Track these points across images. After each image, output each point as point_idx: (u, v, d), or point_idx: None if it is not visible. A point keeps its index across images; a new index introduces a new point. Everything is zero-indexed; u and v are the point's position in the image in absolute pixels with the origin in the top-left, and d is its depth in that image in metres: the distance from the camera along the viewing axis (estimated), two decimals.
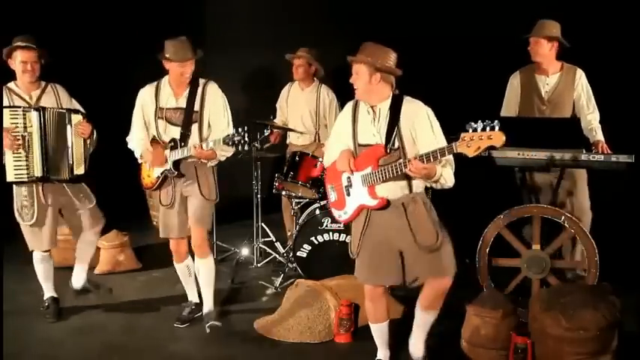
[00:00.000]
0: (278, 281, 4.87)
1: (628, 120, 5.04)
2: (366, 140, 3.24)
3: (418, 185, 3.23)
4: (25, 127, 4.05)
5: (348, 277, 4.03)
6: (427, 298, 3.32)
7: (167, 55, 3.85)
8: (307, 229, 4.76)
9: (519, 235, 4.27)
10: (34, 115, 4.06)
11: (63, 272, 4.70)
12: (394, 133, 3.16)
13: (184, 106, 3.93)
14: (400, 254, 3.26)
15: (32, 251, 4.25)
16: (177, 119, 3.94)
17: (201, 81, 3.99)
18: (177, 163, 3.93)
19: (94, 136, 4.25)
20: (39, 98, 4.13)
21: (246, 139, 3.62)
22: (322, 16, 6.66)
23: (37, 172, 4.07)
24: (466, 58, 5.83)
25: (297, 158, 4.97)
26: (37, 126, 4.06)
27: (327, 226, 4.70)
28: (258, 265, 5.37)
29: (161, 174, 3.99)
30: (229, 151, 3.97)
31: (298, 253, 4.78)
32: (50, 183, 4.14)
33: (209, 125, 3.97)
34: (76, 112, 4.18)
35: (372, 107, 3.25)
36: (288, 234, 5.48)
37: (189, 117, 3.93)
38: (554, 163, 4.04)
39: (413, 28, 6.00)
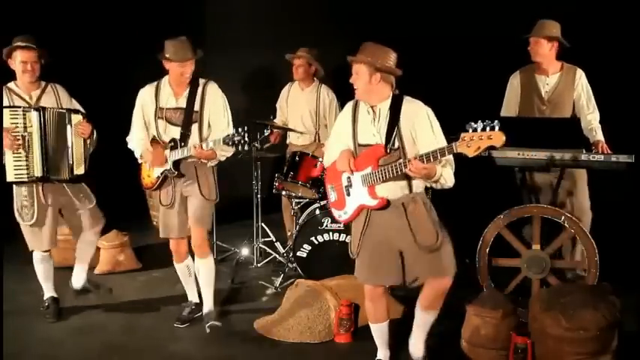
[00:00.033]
0: (278, 281, 4.87)
1: (628, 120, 5.04)
2: (366, 140, 3.24)
3: (418, 185, 3.23)
4: (25, 127, 4.05)
5: (348, 277, 4.03)
6: (427, 298, 3.33)
7: (167, 55, 3.85)
8: (307, 229, 4.76)
9: (519, 235, 4.27)
10: (34, 115, 4.06)
11: (63, 272, 4.70)
12: (394, 133, 3.16)
13: (184, 106, 3.93)
14: (400, 254, 3.26)
15: (32, 251, 4.25)
16: (177, 119, 3.94)
17: (201, 81, 3.99)
18: (177, 163, 3.93)
19: (94, 136, 4.25)
20: (39, 98, 4.13)
21: (246, 139, 3.62)
22: (322, 16, 6.66)
23: (37, 172, 4.07)
24: (466, 58, 5.83)
25: (297, 158, 4.97)
26: (37, 126, 4.06)
27: (327, 226, 4.70)
28: (258, 265, 5.37)
29: (161, 174, 3.99)
30: (229, 152, 3.97)
31: (298, 253, 4.78)
32: (50, 183, 4.14)
33: (209, 125, 3.97)
34: (76, 112, 4.18)
35: (372, 107, 3.25)
36: (288, 234, 5.48)
37: (189, 117, 3.92)
38: (554, 163, 4.04)
39: (413, 28, 6.00)
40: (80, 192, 4.26)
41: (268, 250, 5.44)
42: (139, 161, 4.13)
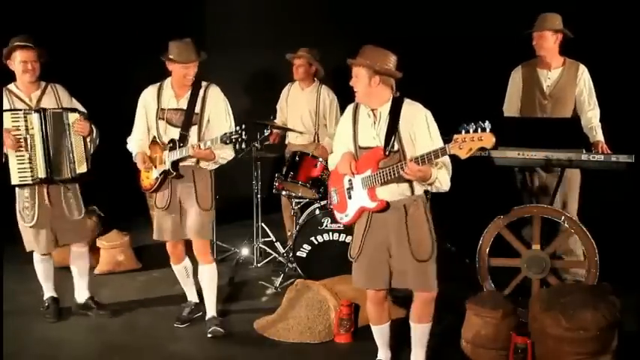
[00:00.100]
0: (278, 281, 4.87)
1: (628, 120, 5.04)
2: (366, 143, 3.24)
3: (420, 188, 3.23)
4: (26, 130, 4.05)
5: (347, 277, 4.02)
6: (416, 309, 3.35)
7: (171, 56, 3.85)
8: (307, 229, 4.76)
9: (519, 235, 4.27)
10: (35, 117, 4.06)
11: (63, 272, 4.70)
12: (393, 135, 3.15)
13: (185, 107, 3.93)
14: (391, 256, 3.28)
15: (32, 251, 4.25)
16: (178, 120, 3.94)
17: (204, 84, 3.99)
18: (175, 164, 3.93)
19: (94, 133, 4.24)
20: (39, 99, 4.12)
21: (244, 136, 3.60)
22: (322, 16, 6.66)
23: (41, 173, 4.07)
24: (466, 58, 5.83)
25: (297, 158, 4.97)
26: (38, 128, 4.06)
27: (327, 226, 4.70)
28: (258, 265, 5.37)
29: (160, 175, 3.98)
30: (229, 155, 3.97)
31: (298, 253, 4.78)
32: (55, 184, 4.14)
33: (209, 128, 3.96)
34: (73, 110, 4.17)
35: (372, 110, 3.24)
36: (288, 234, 5.47)
37: (189, 118, 3.92)
38: (553, 164, 4.04)
39: (413, 29, 6.00)
40: (72, 199, 4.23)
41: (268, 250, 5.44)
42: (135, 161, 4.13)
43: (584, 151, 3.99)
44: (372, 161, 3.19)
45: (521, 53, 4.54)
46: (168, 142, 3.92)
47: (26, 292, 4.67)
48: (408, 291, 3.37)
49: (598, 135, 4.37)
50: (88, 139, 4.21)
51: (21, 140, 4.03)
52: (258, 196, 5.43)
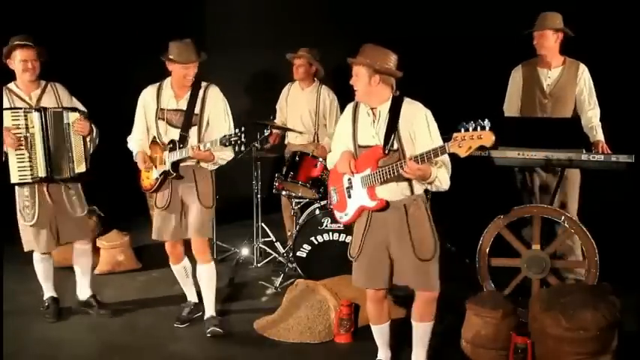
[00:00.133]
0: (278, 281, 4.87)
1: (628, 120, 5.04)
2: (365, 142, 3.24)
3: (419, 187, 3.23)
4: (27, 128, 4.05)
5: (347, 277, 4.01)
6: (417, 308, 3.34)
7: (171, 57, 3.85)
8: (307, 229, 4.76)
9: (519, 235, 4.27)
10: (35, 116, 4.06)
11: (63, 272, 4.71)
12: (393, 134, 3.15)
13: (185, 108, 3.93)
14: (391, 256, 3.28)
15: (31, 251, 4.25)
16: (178, 121, 3.94)
17: (203, 84, 3.99)
18: (176, 165, 3.93)
19: (94, 133, 4.25)
20: (39, 98, 4.13)
21: (243, 139, 3.61)
22: (322, 16, 6.66)
23: (41, 172, 4.08)
24: (466, 57, 5.84)
25: (297, 158, 4.97)
26: (38, 127, 4.06)
27: (327, 226, 4.70)
28: (258, 265, 5.37)
29: (160, 175, 3.98)
30: (228, 156, 3.97)
31: (298, 253, 4.78)
32: (55, 183, 4.14)
33: (208, 128, 3.97)
34: (73, 110, 4.17)
35: (372, 109, 3.24)
36: (288, 234, 5.47)
37: (189, 119, 3.93)
38: (554, 164, 4.04)
39: (413, 29, 6.01)
40: (75, 197, 4.24)
41: (268, 250, 5.44)
42: (135, 161, 4.13)
43: (584, 151, 3.99)
44: (371, 160, 3.19)
45: (521, 53, 4.54)
46: (168, 143, 3.93)
47: (26, 292, 4.67)
48: (409, 291, 3.37)
49: (598, 134, 4.37)
50: (87, 139, 4.22)
51: (21, 139, 4.03)
52: (258, 196, 5.43)
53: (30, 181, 4.07)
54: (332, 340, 3.95)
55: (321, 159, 4.91)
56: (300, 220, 4.93)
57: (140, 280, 5.17)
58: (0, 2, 4.75)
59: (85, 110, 4.24)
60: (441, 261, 3.28)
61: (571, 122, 4.29)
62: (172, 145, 3.91)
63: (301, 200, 5.13)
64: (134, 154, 4.08)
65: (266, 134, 5.21)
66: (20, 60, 4.01)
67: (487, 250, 4.12)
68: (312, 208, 4.95)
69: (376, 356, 3.56)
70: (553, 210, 4.08)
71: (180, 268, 4.25)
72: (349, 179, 3.32)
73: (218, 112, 3.98)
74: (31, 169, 4.07)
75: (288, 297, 4.22)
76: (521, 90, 4.53)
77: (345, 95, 3.64)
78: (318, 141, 5.43)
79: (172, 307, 4.43)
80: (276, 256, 5.39)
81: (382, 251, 3.27)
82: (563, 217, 4.02)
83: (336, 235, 4.70)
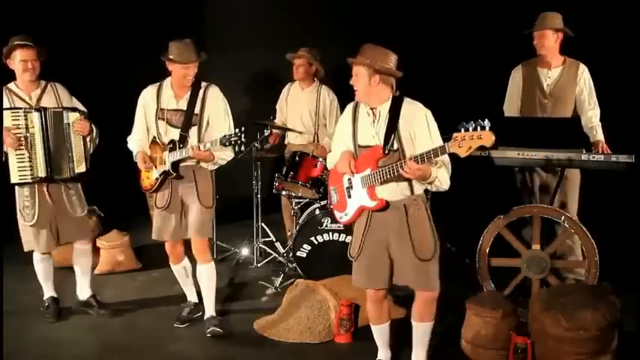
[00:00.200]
0: (278, 281, 4.87)
1: (628, 120, 5.04)
2: (365, 141, 3.24)
3: (419, 187, 3.23)
4: (27, 128, 4.05)
5: (347, 277, 4.01)
6: (417, 308, 3.34)
7: (171, 57, 3.85)
8: (307, 229, 4.76)
9: (519, 235, 4.27)
10: (35, 116, 4.06)
11: (63, 272, 4.71)
12: (393, 134, 3.15)
13: (185, 108, 3.93)
14: (391, 256, 3.27)
15: (31, 251, 4.25)
16: (178, 121, 3.94)
17: (203, 84, 3.99)
18: (176, 165, 3.93)
19: (94, 133, 4.25)
20: (39, 98, 4.13)
21: (243, 139, 3.61)
22: (322, 16, 6.66)
23: (41, 172, 4.08)
24: (466, 57, 5.84)
25: (297, 158, 4.97)
26: (38, 127, 4.06)
27: (327, 226, 4.70)
28: (258, 265, 5.37)
29: (160, 175, 3.99)
30: (228, 156, 3.97)
31: (298, 253, 4.78)
32: (55, 183, 4.14)
33: (208, 128, 3.97)
34: (73, 110, 4.17)
35: (372, 109, 3.24)
36: (288, 234, 5.48)
37: (189, 119, 3.93)
38: (554, 164, 4.04)
39: (413, 29, 6.01)
40: (75, 197, 4.24)
41: (268, 250, 5.44)
42: (135, 161, 4.13)
43: (584, 151, 3.99)
44: (371, 160, 3.19)
45: (521, 53, 4.54)
46: (168, 143, 3.93)
47: (26, 292, 4.67)
48: (409, 291, 3.37)
49: (598, 134, 4.37)
50: (87, 139, 4.22)
51: (21, 139, 4.03)
52: (258, 196, 5.43)
53: (30, 181, 4.08)
54: (332, 340, 3.95)
55: (321, 159, 4.91)
56: (300, 220, 4.93)
57: (140, 280, 5.17)
58: (0, 2, 4.75)
59: (85, 110, 4.24)
60: (441, 261, 3.28)
61: (571, 122, 4.29)
62: (172, 145, 3.91)
63: (301, 200, 5.13)
64: (134, 154, 4.08)
65: (266, 134, 5.21)
66: (20, 60, 4.02)
67: (487, 250, 4.12)
68: (312, 208, 4.95)
69: (376, 356, 3.56)
70: (553, 210, 4.08)
71: (180, 268, 4.24)
72: (349, 179, 3.32)
73: (218, 112, 3.98)
74: (31, 169, 4.07)
75: (288, 297, 4.22)
76: (521, 90, 4.53)
77: (345, 95, 3.64)
78: (318, 141, 5.43)
79: (172, 307, 4.43)
80: (276, 256, 5.39)
81: (382, 251, 3.27)
82: (563, 217, 4.02)
83: (336, 235, 4.70)
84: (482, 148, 2.93)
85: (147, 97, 4.02)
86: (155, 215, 4.11)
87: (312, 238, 4.73)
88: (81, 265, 4.40)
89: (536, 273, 4.05)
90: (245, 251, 5.52)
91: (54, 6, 6.15)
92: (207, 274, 4.10)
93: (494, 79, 4.78)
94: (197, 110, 3.94)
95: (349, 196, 3.34)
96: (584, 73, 4.40)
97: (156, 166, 4.00)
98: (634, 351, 3.57)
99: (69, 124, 4.14)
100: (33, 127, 4.06)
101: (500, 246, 4.16)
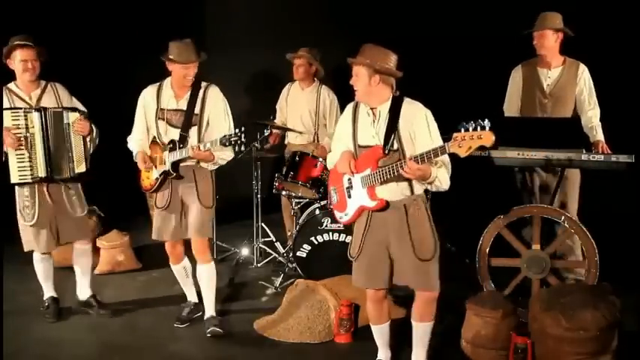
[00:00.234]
0: (278, 281, 4.87)
1: (628, 120, 5.04)
2: (365, 141, 3.24)
3: (419, 187, 3.23)
4: (27, 128, 4.05)
5: (347, 277, 4.01)
6: (417, 308, 3.34)
7: (171, 57, 3.85)
8: (307, 229, 4.76)
9: (519, 235, 4.27)
10: (35, 116, 4.06)
11: (63, 272, 4.71)
12: (393, 134, 3.15)
13: (185, 108, 3.93)
14: (391, 256, 3.27)
15: (31, 251, 4.25)
16: (178, 121, 3.94)
17: (203, 84, 3.99)
18: (176, 165, 3.93)
19: (94, 133, 4.25)
20: (39, 98, 4.12)
21: (243, 139, 3.61)
22: (322, 16, 6.66)
23: (41, 172, 4.08)
24: (466, 57, 5.84)
25: (297, 158, 4.97)
26: (38, 127, 4.06)
27: (327, 226, 4.70)
28: (258, 265, 5.37)
29: (160, 175, 3.99)
30: (228, 156, 3.97)
31: (298, 253, 4.78)
32: (55, 183, 4.14)
33: (208, 128, 3.97)
34: (73, 110, 4.17)
35: (372, 109, 3.24)
36: (288, 234, 5.48)
37: (189, 119, 3.93)
38: (553, 163, 4.04)
39: (413, 29, 6.01)
40: (75, 197, 4.24)
41: (268, 250, 5.44)
42: (135, 161, 4.13)
43: (584, 151, 3.99)
44: (371, 160, 3.19)
45: (521, 53, 4.54)
46: (168, 143, 3.93)
47: (26, 292, 4.67)
48: (409, 290, 3.37)
49: (598, 134, 4.37)
50: (87, 139, 4.22)
51: (21, 139, 4.03)
52: (258, 196, 5.43)
53: (30, 181, 4.08)
54: (332, 340, 3.95)
55: (321, 159, 4.91)
56: (300, 220, 4.93)
57: (140, 280, 5.17)
58: (0, 2, 4.76)
59: (85, 110, 4.24)
60: (441, 261, 3.28)
61: (571, 122, 4.29)
62: (172, 145, 3.91)
63: (301, 200, 5.13)
64: (134, 154, 4.08)
65: (266, 134, 5.21)
66: (20, 60, 4.01)
67: (487, 250, 4.12)
68: (312, 208, 4.95)
69: (376, 356, 3.56)
70: (553, 210, 4.08)
71: (180, 268, 4.24)
72: (349, 179, 3.32)
73: (218, 112, 3.98)
74: (31, 169, 4.07)
75: (288, 297, 4.22)
76: (521, 90, 4.53)
77: (345, 95, 3.64)
78: (318, 141, 5.43)
79: (172, 307, 4.43)
80: (276, 256, 5.39)
81: (382, 251, 3.27)
82: (563, 217, 4.02)
83: (336, 235, 4.70)
84: (482, 148, 2.94)
85: (147, 96, 4.02)
86: (155, 215, 4.11)
87: (312, 238, 4.73)
88: (81, 265, 4.40)
89: (536, 273, 4.05)
90: (245, 251, 5.52)
91: (54, 6, 6.15)
92: (207, 274, 4.10)
93: (494, 79, 4.78)
94: (197, 110, 3.94)
95: (349, 196, 3.34)
96: (584, 73, 4.40)
97: (156, 166, 4.00)
98: (634, 351, 3.57)
99: (69, 124, 4.14)
100: (33, 127, 4.06)
101: (500, 246, 4.15)
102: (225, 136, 3.66)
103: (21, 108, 4.06)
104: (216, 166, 4.03)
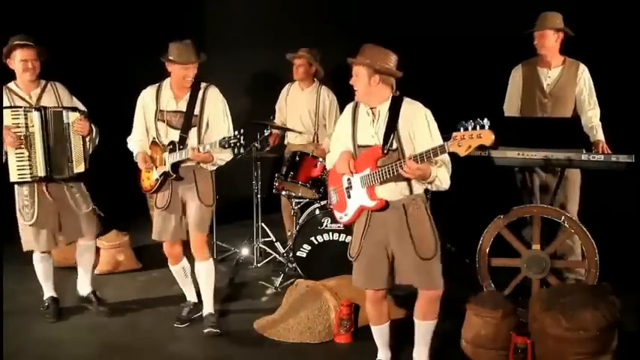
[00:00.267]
0: (278, 281, 4.87)
1: (628, 120, 5.04)
2: (365, 141, 3.24)
3: (419, 187, 3.23)
4: (27, 127, 4.05)
5: (347, 277, 4.01)
6: (421, 307, 3.33)
7: (170, 57, 3.85)
8: (307, 229, 4.76)
9: (519, 235, 4.27)
10: (35, 115, 4.06)
11: (63, 272, 4.71)
12: (392, 134, 3.15)
13: (184, 109, 3.94)
14: (393, 257, 3.27)
15: (31, 251, 4.24)
16: (177, 122, 3.95)
17: (203, 85, 4.00)
18: (175, 166, 3.93)
19: (94, 133, 4.25)
20: (39, 97, 4.12)
21: (242, 141, 3.62)
22: (322, 16, 6.66)
23: (40, 171, 4.08)
24: (466, 57, 5.84)
25: (297, 158, 4.97)
26: (38, 126, 4.06)
27: (327, 226, 4.70)
28: (258, 265, 5.37)
29: (160, 176, 3.99)
30: (227, 157, 3.97)
31: (298, 253, 4.78)
32: (54, 182, 4.14)
33: (208, 129, 3.97)
34: (74, 109, 4.17)
35: (371, 109, 3.24)
36: (288, 234, 5.48)
37: (188, 120, 3.93)
38: (553, 164, 4.04)
39: (413, 29, 6.01)
40: (78, 194, 4.24)
41: (268, 250, 5.44)
42: (136, 161, 4.13)
43: (584, 151, 3.99)
44: (370, 160, 3.18)
45: (521, 53, 4.54)
46: (168, 144, 3.93)
47: (26, 292, 4.67)
48: (409, 290, 3.36)
49: (598, 134, 4.37)
50: (87, 139, 4.21)
51: (21, 138, 4.03)
52: (258, 196, 5.44)
53: (29, 180, 4.07)
54: (332, 340, 3.95)
55: (321, 159, 4.91)
56: (300, 220, 4.93)
57: (140, 280, 5.17)
58: (0, 2, 4.76)
59: (85, 110, 4.24)
60: (442, 261, 3.28)
61: (571, 122, 4.29)
62: (172, 147, 3.91)
63: (301, 200, 5.13)
64: (134, 154, 4.08)
65: (266, 134, 5.22)
66: (20, 60, 4.01)
67: (487, 250, 4.12)
68: (312, 208, 4.95)
69: (376, 356, 3.56)
70: (553, 210, 4.08)
71: (179, 269, 4.24)
72: (349, 179, 3.32)
73: (217, 113, 3.98)
74: (30, 168, 4.07)
75: (288, 297, 4.22)
76: (521, 90, 4.53)
77: (345, 95, 3.64)
78: (317, 141, 5.43)
79: (172, 307, 4.43)
80: (276, 256, 5.39)
81: (381, 251, 3.26)
82: (563, 217, 4.02)
83: (336, 235, 4.70)
84: (481, 147, 2.94)
85: (146, 97, 4.03)
86: (155, 216, 4.11)
87: (312, 238, 4.73)
88: (84, 261, 4.40)
89: (536, 273, 4.05)
90: (245, 251, 5.52)
91: (54, 6, 6.15)
92: (206, 270, 4.11)
93: (494, 79, 4.78)
94: (196, 111, 3.94)
95: (349, 196, 3.34)
96: (583, 73, 4.40)
97: (156, 167, 4.00)
98: (634, 351, 3.56)
99: (69, 123, 4.14)
100: (33, 126, 4.06)
101: (501, 246, 4.15)
102: (224, 138, 3.66)
103: (21, 107, 4.06)
104: (216, 167, 4.04)
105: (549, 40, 4.33)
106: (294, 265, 4.87)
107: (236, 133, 3.63)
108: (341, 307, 3.95)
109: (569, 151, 3.96)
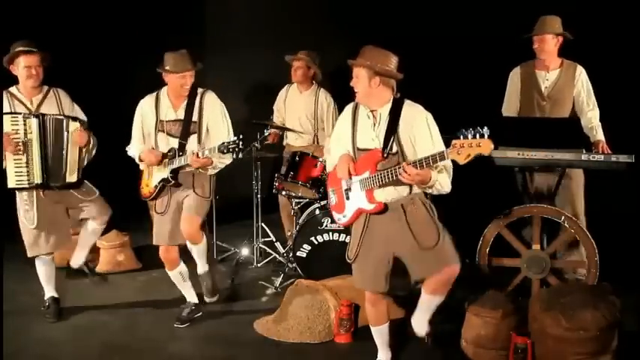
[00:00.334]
0: (278, 281, 4.87)
1: (628, 120, 5.04)
2: (365, 144, 3.23)
3: (417, 188, 3.22)
4: (25, 134, 4.04)
5: (348, 277, 4.02)
6: (435, 282, 3.24)
7: (167, 67, 3.87)
8: (307, 229, 4.76)
9: (519, 235, 4.28)
10: (34, 122, 4.05)
11: (63, 272, 4.70)
12: (392, 137, 3.14)
13: (182, 117, 3.95)
14: (395, 259, 3.26)
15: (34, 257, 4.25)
16: (177, 131, 3.98)
17: (199, 90, 4.01)
18: (175, 172, 3.94)
19: (92, 144, 4.23)
20: (40, 104, 4.11)
21: (241, 146, 3.63)
22: (322, 16, 6.66)
23: (37, 178, 4.07)
24: (466, 58, 5.84)
25: (297, 158, 4.97)
26: (36, 133, 4.05)
27: (326, 226, 4.70)
28: (258, 265, 5.37)
29: (159, 182, 4.01)
30: (227, 160, 3.98)
31: (298, 253, 4.78)
32: (50, 190, 4.14)
33: (208, 135, 3.98)
34: (75, 119, 4.16)
35: (372, 112, 3.23)
36: (287, 234, 5.48)
37: (187, 128, 3.96)
38: (553, 164, 4.04)
39: (413, 29, 6.01)
40: (84, 188, 4.26)
41: (268, 250, 5.44)
42: (140, 166, 4.14)
43: (584, 151, 4.00)
44: (370, 163, 3.18)
45: (520, 54, 4.54)
46: (168, 151, 3.97)
47: (26, 292, 4.67)
48: (410, 290, 3.35)
49: (598, 134, 4.37)
50: (84, 150, 4.20)
51: (19, 144, 4.03)
52: (258, 196, 5.44)
53: (26, 186, 4.07)
54: (332, 340, 3.95)
55: (321, 159, 4.91)
56: (300, 220, 4.94)
57: (140, 280, 5.17)
58: (1, 5, 4.76)
59: (86, 120, 4.24)
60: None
61: (571, 122, 4.29)
62: (172, 153, 3.93)
63: (301, 200, 5.13)
64: (136, 158, 4.09)
65: (266, 134, 5.22)
66: (24, 66, 4.00)
67: (487, 250, 4.12)
68: (312, 208, 4.95)
69: (376, 356, 3.55)
70: (553, 210, 4.09)
71: (176, 274, 4.25)
72: (348, 181, 3.31)
73: (216, 117, 4.00)
74: (27, 175, 4.06)
75: (288, 297, 4.21)
76: (519, 92, 4.53)
77: (345, 97, 3.64)
78: (318, 143, 5.44)
79: (172, 308, 4.43)
80: (276, 256, 5.39)
81: (380, 253, 3.25)
82: (563, 217, 4.02)
83: (336, 235, 4.70)
84: (481, 156, 2.94)
85: (145, 107, 4.06)
86: (155, 220, 4.13)
87: (312, 238, 4.74)
88: (85, 242, 4.42)
89: (536, 273, 4.05)
90: (245, 251, 5.52)
91: (54, 8, 6.15)
92: (198, 247, 4.16)
93: (493, 80, 4.78)
94: (195, 118, 3.96)
95: (347, 198, 3.33)
96: (581, 74, 4.41)
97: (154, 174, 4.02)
98: (634, 351, 3.56)
99: (68, 132, 4.12)
100: (31, 132, 4.05)
101: (501, 246, 4.16)
102: (223, 143, 3.68)
103: (20, 113, 4.05)
104: (216, 170, 4.06)
105: (549, 44, 4.33)
106: (294, 265, 4.87)
107: (235, 138, 3.64)
108: (341, 307, 3.95)
109: (569, 151, 3.96)
